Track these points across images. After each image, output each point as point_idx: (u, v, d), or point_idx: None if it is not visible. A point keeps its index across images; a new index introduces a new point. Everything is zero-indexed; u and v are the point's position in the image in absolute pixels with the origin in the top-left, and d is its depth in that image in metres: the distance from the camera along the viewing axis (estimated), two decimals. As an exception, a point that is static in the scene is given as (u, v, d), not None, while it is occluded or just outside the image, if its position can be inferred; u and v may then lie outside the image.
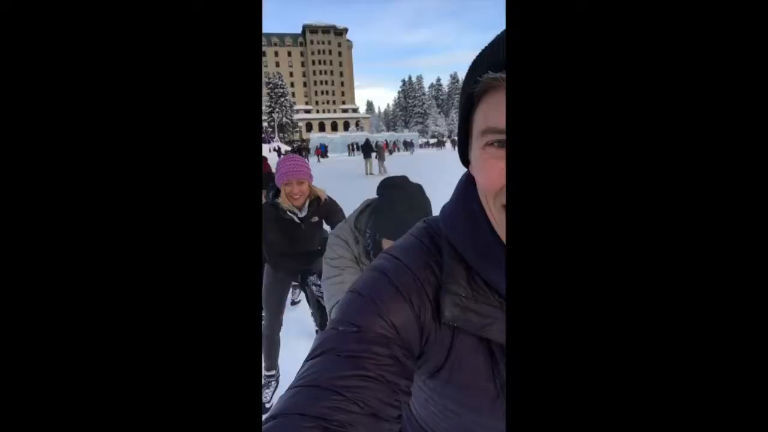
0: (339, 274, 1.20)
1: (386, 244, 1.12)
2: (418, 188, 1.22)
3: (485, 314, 0.48)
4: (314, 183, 2.06)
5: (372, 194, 1.33)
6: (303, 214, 1.96)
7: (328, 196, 2.07)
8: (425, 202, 1.20)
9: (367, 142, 17.02)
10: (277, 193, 1.92)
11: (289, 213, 1.90)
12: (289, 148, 29.72)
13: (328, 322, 0.50)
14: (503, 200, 0.42)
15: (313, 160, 27.86)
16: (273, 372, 2.23)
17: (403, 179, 1.22)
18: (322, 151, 33.22)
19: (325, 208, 2.04)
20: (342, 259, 1.22)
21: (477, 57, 0.43)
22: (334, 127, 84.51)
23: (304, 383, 0.42)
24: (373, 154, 16.28)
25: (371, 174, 15.35)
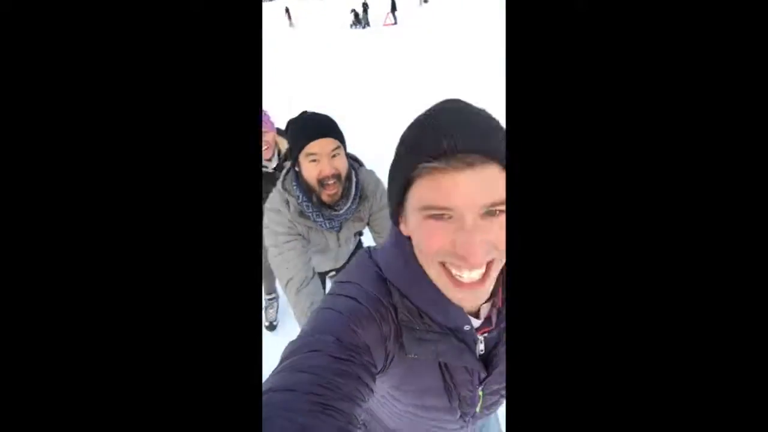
0: (280, 252, 1.21)
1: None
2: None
3: (435, 341, 0.58)
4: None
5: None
6: (274, 165, 1.90)
7: None
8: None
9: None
10: None
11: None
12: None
13: (300, 331, 0.57)
14: (440, 258, 0.51)
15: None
16: (273, 294, 2.45)
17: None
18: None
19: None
20: (277, 235, 1.23)
21: (412, 145, 0.50)
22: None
23: (290, 369, 0.49)
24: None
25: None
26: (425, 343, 0.58)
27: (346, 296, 0.59)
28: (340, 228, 1.32)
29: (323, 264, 1.53)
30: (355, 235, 1.44)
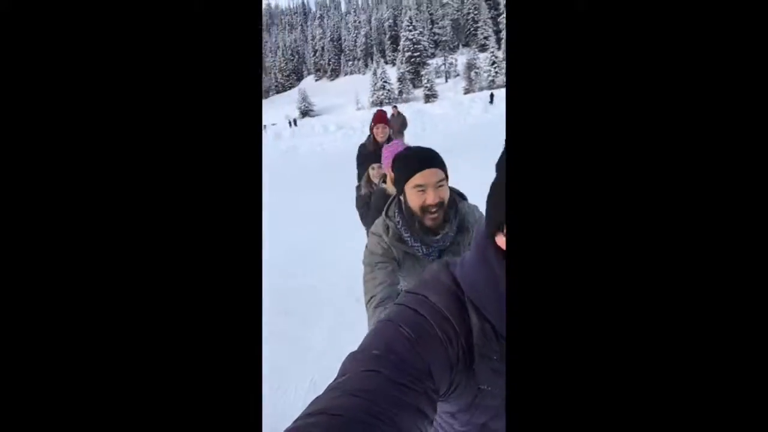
0: (371, 271, 1.32)
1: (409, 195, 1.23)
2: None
3: None
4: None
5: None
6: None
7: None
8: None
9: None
10: None
11: None
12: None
13: (362, 341, 0.53)
14: None
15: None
16: None
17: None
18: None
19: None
20: (373, 256, 1.34)
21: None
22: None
23: (343, 390, 0.44)
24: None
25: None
26: (503, 376, 0.50)
27: (411, 309, 0.54)
28: (439, 257, 1.37)
29: None
30: None
